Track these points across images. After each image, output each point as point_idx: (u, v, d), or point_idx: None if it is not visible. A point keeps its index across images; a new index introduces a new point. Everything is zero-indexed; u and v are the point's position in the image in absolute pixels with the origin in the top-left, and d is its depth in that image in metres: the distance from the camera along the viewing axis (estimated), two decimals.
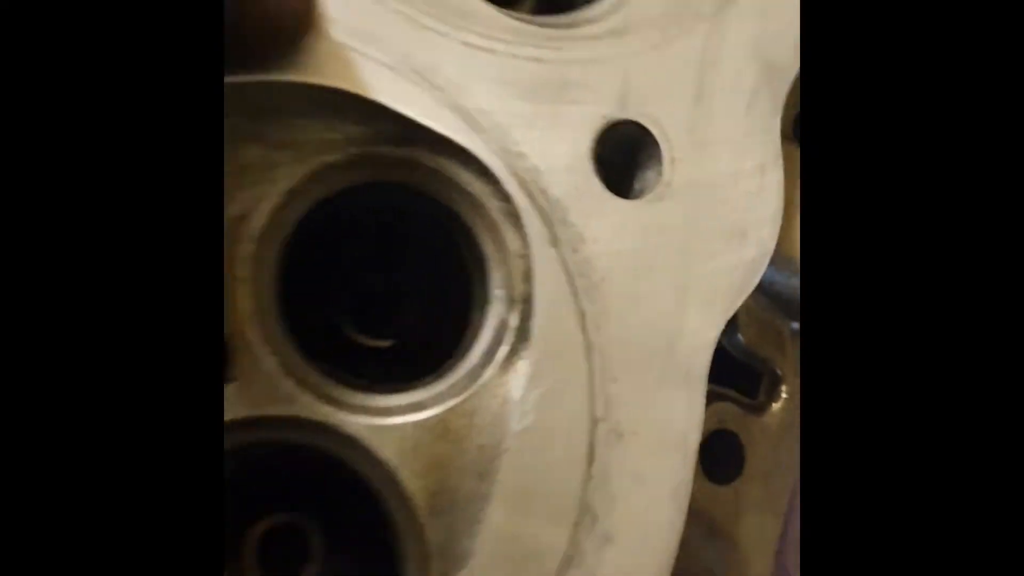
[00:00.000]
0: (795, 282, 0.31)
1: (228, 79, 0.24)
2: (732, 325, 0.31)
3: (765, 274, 0.26)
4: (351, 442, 0.24)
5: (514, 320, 0.25)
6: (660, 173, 0.26)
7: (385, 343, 0.29)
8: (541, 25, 0.26)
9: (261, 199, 0.24)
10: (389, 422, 0.24)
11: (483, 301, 0.26)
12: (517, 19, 0.26)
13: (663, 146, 0.26)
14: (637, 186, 0.26)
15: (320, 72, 0.24)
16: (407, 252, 0.30)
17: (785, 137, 0.28)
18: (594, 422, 0.25)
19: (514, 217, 0.25)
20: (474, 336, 0.25)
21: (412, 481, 0.24)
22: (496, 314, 0.25)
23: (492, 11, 0.25)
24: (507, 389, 0.24)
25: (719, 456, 0.31)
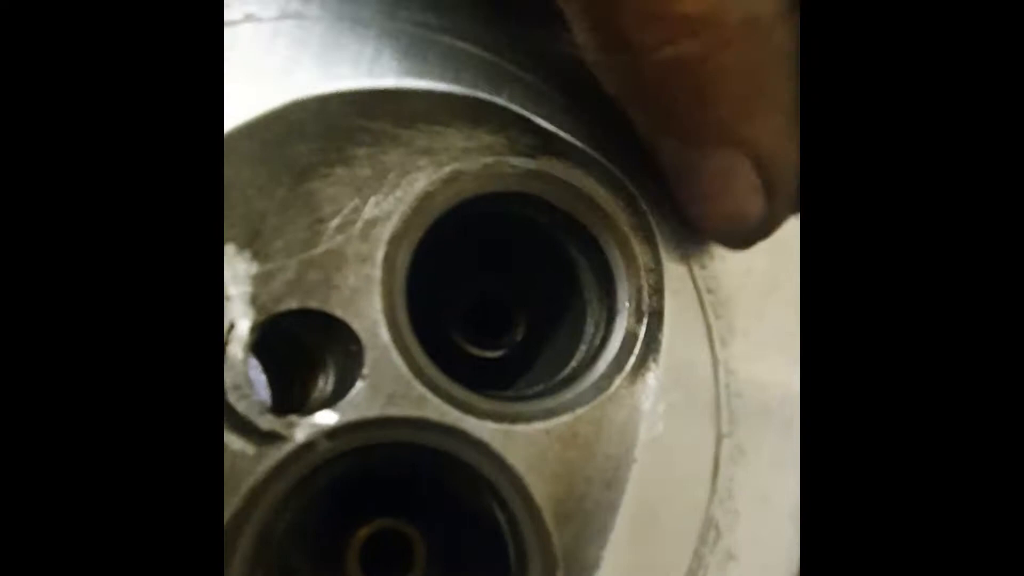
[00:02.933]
0: None
1: (374, 85, 0.24)
2: None
3: None
4: (480, 446, 0.24)
5: (642, 332, 0.25)
6: None
7: (496, 353, 0.30)
8: None
9: (398, 203, 0.25)
10: (518, 428, 0.24)
11: (606, 312, 0.26)
12: None
13: None
14: None
15: (465, 82, 0.25)
16: (519, 261, 0.30)
17: None
18: (719, 437, 0.25)
19: (645, 231, 0.25)
20: (600, 346, 0.26)
21: (540, 487, 0.24)
22: (623, 326, 0.25)
23: None
24: (635, 399, 0.25)
25: None
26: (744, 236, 0.24)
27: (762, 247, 0.26)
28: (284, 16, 0.23)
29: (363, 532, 0.28)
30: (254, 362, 0.29)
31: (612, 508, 0.24)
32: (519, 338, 0.29)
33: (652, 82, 0.22)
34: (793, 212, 0.24)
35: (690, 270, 0.25)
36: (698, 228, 0.25)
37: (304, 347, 0.25)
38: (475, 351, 0.30)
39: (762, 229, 0.24)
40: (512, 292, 0.30)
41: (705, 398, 0.25)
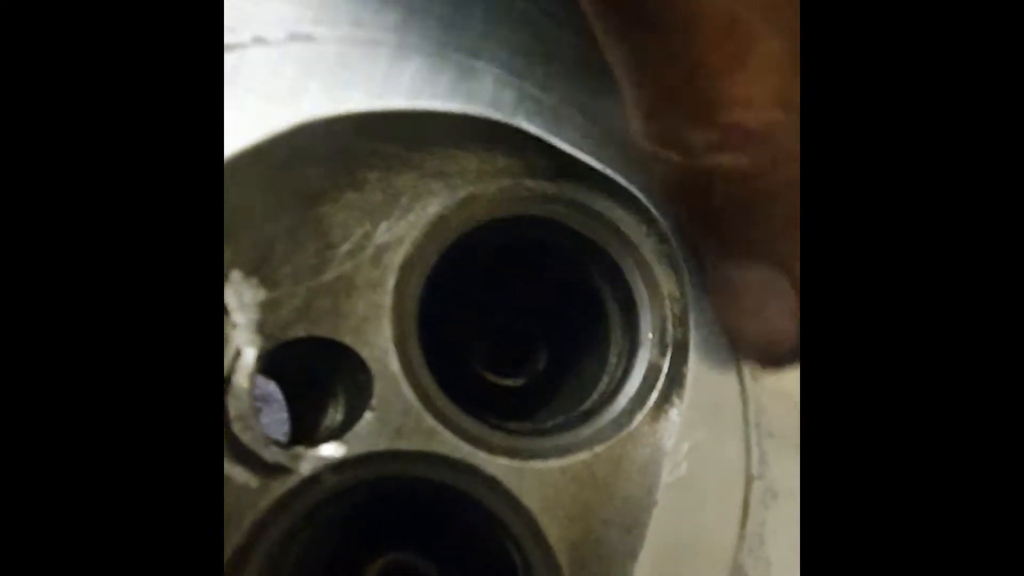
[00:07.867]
0: None
1: (384, 106, 0.24)
2: None
3: None
4: (492, 484, 0.23)
5: (666, 365, 0.24)
6: None
7: (517, 382, 0.29)
8: None
9: (410, 228, 0.24)
10: (532, 465, 0.23)
11: (628, 343, 0.25)
12: None
13: None
14: None
15: (479, 103, 0.24)
16: (543, 288, 0.29)
17: None
18: (749, 479, 0.23)
19: (670, 259, 0.24)
20: (622, 380, 0.24)
21: (554, 529, 0.22)
22: (646, 358, 0.24)
23: None
24: (657, 438, 0.23)
25: None
26: (775, 358, 0.23)
27: None
28: (293, 38, 0.23)
29: (376, 565, 0.28)
30: (276, 391, 0.29)
31: (631, 554, 0.22)
32: (541, 367, 0.28)
33: (697, 186, 0.21)
34: None
35: None
36: (731, 342, 0.23)
37: (314, 376, 0.24)
38: (495, 379, 0.29)
39: (796, 354, 0.22)
40: (535, 320, 0.29)
41: (734, 438, 0.23)
